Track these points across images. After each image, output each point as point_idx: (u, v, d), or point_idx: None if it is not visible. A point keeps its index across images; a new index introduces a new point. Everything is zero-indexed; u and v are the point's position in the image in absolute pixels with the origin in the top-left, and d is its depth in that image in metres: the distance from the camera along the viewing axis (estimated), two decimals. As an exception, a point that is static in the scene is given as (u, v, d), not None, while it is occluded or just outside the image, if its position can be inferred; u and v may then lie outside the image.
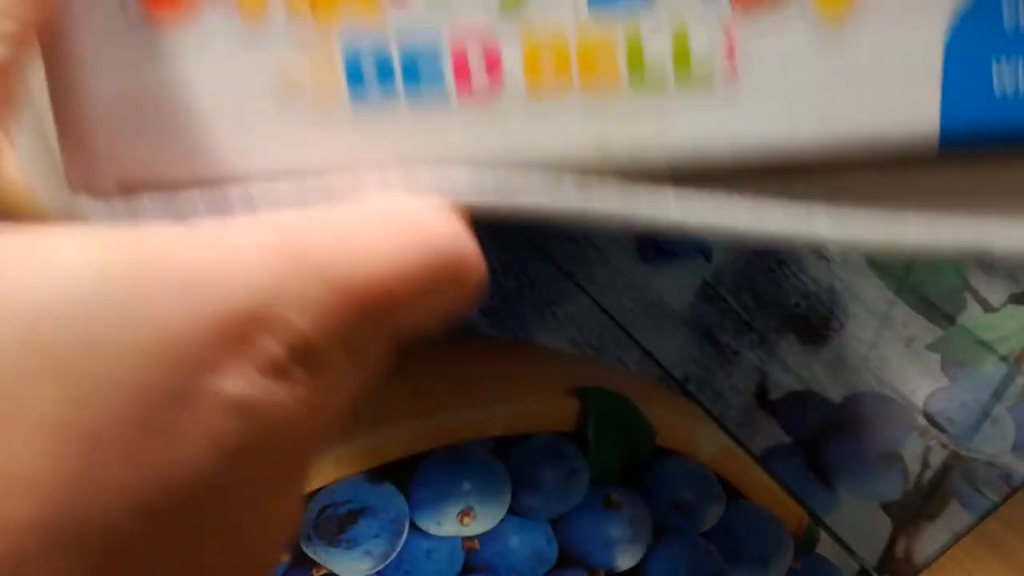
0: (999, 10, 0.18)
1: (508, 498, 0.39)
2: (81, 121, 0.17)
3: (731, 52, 0.18)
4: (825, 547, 0.39)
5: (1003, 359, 0.46)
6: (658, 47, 0.18)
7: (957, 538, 0.39)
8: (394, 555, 0.37)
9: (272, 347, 0.15)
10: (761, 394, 0.44)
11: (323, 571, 0.36)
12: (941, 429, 0.43)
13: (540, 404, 0.42)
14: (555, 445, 0.40)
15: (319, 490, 0.38)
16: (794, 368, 0.45)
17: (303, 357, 0.15)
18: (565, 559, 0.37)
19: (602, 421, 0.41)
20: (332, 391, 0.16)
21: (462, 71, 0.17)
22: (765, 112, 0.18)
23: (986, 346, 0.46)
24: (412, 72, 0.17)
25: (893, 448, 0.42)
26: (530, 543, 0.37)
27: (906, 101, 0.19)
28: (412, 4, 0.17)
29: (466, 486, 0.39)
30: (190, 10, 0.17)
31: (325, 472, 0.39)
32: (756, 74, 0.18)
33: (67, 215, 0.17)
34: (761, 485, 0.40)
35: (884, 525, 0.40)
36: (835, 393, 0.44)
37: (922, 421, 0.43)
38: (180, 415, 0.14)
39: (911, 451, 0.42)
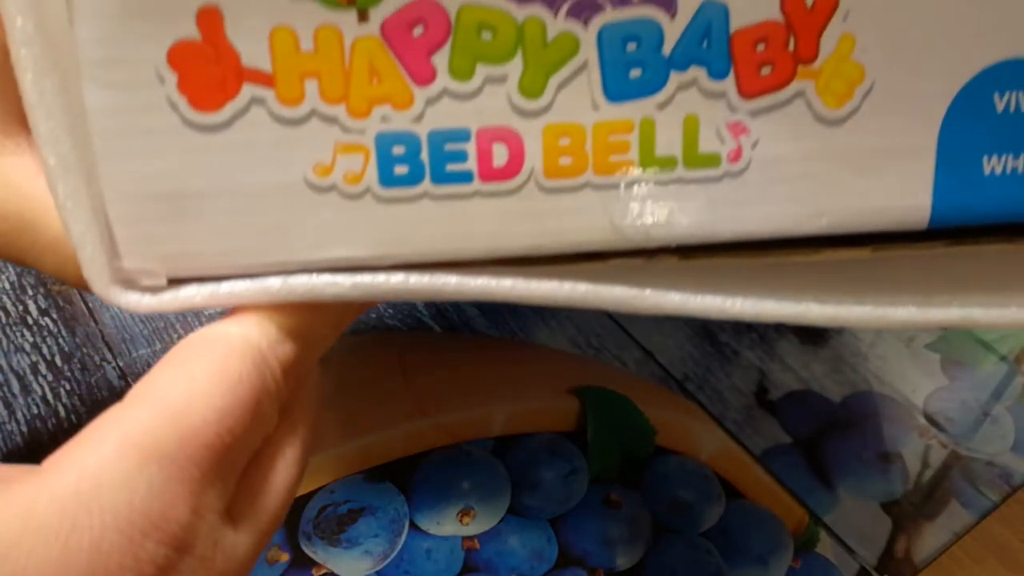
0: (991, 99, 0.19)
1: (508, 498, 0.39)
2: (131, 214, 0.18)
3: (738, 141, 0.19)
4: (825, 547, 0.39)
5: (1003, 359, 0.46)
6: (669, 136, 0.19)
7: (957, 538, 0.39)
8: (394, 555, 0.37)
9: (155, 550, 0.16)
10: (761, 394, 0.44)
11: (323, 571, 0.36)
12: (941, 429, 0.43)
13: (540, 404, 0.42)
14: (555, 445, 0.40)
15: (319, 490, 0.38)
16: (794, 367, 0.45)
17: (186, 544, 0.17)
18: (565, 558, 0.37)
19: (602, 421, 0.41)
20: (221, 548, 0.18)
21: (486, 164, 0.18)
22: (767, 198, 0.19)
23: (986, 346, 0.46)
24: (439, 167, 0.18)
25: (893, 448, 0.42)
26: (530, 543, 0.37)
27: (901, 186, 0.19)
28: (442, 101, 0.18)
29: (466, 486, 0.39)
30: (233, 109, 0.18)
31: (325, 472, 0.39)
32: (761, 162, 0.19)
33: (112, 301, 0.19)
34: (761, 485, 0.40)
35: (884, 525, 0.40)
36: (835, 393, 0.44)
37: (922, 421, 0.43)
38: None
39: (911, 451, 0.42)
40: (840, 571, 0.38)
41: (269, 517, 0.19)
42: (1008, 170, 0.20)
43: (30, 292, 0.44)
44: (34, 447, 0.39)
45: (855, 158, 0.19)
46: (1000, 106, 0.19)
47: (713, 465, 0.41)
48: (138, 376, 0.41)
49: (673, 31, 0.18)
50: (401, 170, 0.18)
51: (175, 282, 0.19)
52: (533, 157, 0.19)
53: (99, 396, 0.41)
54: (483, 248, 0.19)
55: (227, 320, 0.19)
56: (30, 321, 0.43)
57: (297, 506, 0.38)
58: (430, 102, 0.18)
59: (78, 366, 0.41)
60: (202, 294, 0.19)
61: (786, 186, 0.19)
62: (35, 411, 0.40)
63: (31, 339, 0.42)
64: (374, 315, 0.45)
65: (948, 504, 0.40)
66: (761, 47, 0.18)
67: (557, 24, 0.18)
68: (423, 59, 0.18)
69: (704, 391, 0.44)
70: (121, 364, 0.42)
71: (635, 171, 0.19)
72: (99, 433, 0.17)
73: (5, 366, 0.41)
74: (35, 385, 0.41)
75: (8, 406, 0.40)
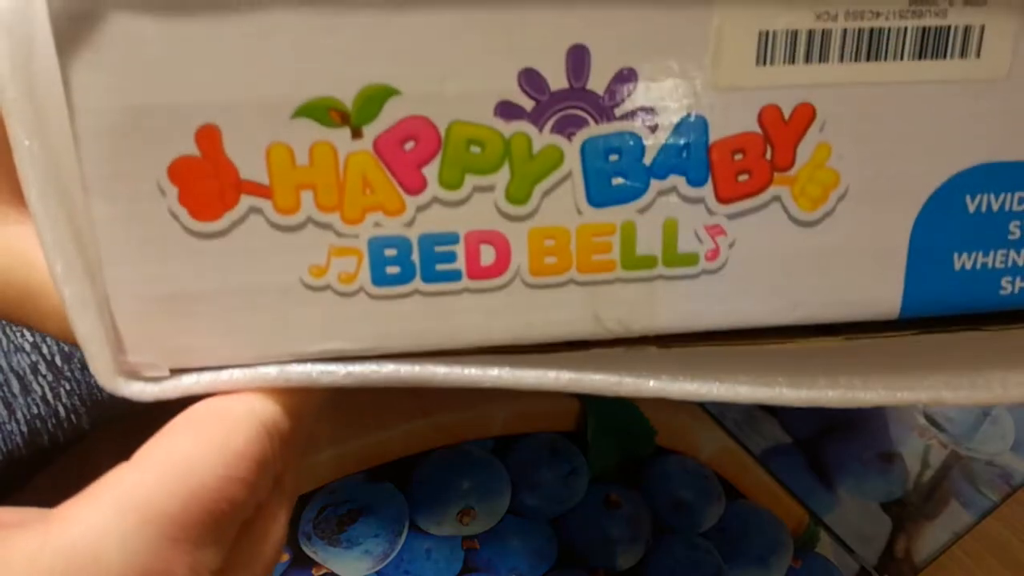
0: (963, 201, 0.20)
1: (508, 498, 0.39)
2: (136, 314, 0.19)
3: (715, 243, 0.20)
4: (825, 547, 0.39)
5: (1003, 359, 0.46)
6: (650, 238, 0.20)
7: (957, 538, 0.39)
8: (394, 554, 0.37)
9: None
10: (761, 394, 0.44)
11: (323, 571, 0.36)
12: (941, 429, 0.43)
13: (540, 404, 0.42)
14: (555, 445, 0.40)
15: (319, 490, 0.38)
16: (794, 368, 0.45)
17: None
18: (565, 558, 0.37)
19: (602, 421, 0.41)
20: None
21: (474, 263, 0.20)
22: (744, 293, 0.20)
23: (986, 346, 0.46)
24: (429, 266, 0.19)
25: (893, 448, 0.42)
26: (530, 543, 0.37)
27: (873, 281, 0.21)
28: (432, 208, 0.19)
29: (466, 486, 0.39)
30: (231, 219, 0.19)
31: (325, 472, 0.39)
32: (738, 260, 0.20)
33: (118, 390, 0.20)
34: (761, 485, 0.40)
35: (884, 525, 0.40)
36: (835, 393, 0.44)
37: (922, 421, 0.43)
38: None
39: (911, 451, 0.42)
40: (840, 571, 0.38)
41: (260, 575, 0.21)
42: (978, 265, 0.21)
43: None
44: (34, 447, 0.39)
45: (829, 256, 0.20)
46: (972, 207, 0.20)
47: (713, 465, 0.41)
48: (138, 376, 0.41)
49: (654, 143, 0.19)
50: (393, 270, 0.19)
51: (177, 371, 0.20)
52: (519, 257, 0.20)
53: (99, 396, 0.41)
54: (471, 340, 0.20)
55: (233, 395, 0.20)
56: (30, 321, 0.43)
57: (297, 506, 0.38)
58: (420, 209, 0.19)
59: (78, 366, 0.41)
60: (202, 382, 0.20)
61: (762, 282, 0.20)
62: (35, 411, 0.40)
63: (31, 339, 0.42)
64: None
65: (948, 504, 0.40)
66: (739, 156, 0.19)
67: (542, 138, 0.19)
68: (414, 171, 0.19)
69: (704, 391, 0.44)
70: (121, 364, 0.42)
71: (617, 270, 0.20)
72: (103, 490, 0.18)
73: (5, 366, 0.41)
74: (35, 385, 0.41)
75: (8, 406, 0.40)
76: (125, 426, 0.39)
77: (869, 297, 0.21)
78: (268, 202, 0.19)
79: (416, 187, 0.19)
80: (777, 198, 0.20)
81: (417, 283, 0.19)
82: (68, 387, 0.41)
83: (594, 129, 0.19)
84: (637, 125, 0.19)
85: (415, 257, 0.19)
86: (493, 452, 0.40)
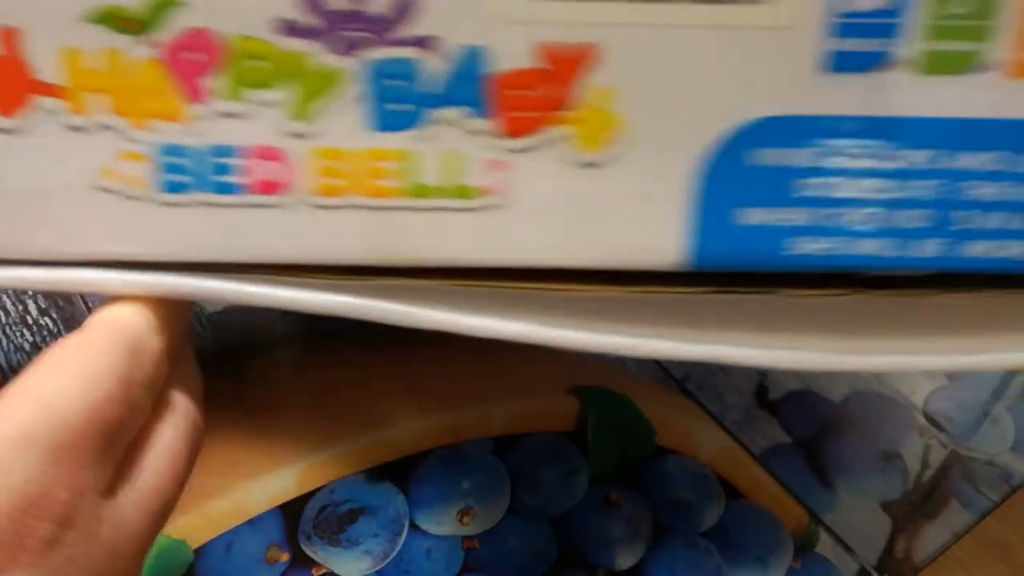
0: (744, 155, 0.20)
1: (508, 497, 0.39)
2: None
3: (498, 177, 0.20)
4: (825, 547, 0.39)
5: (1003, 359, 0.46)
6: (432, 167, 0.20)
7: (957, 538, 0.39)
8: (394, 554, 0.37)
9: (36, 526, 0.18)
10: (761, 393, 0.44)
11: (323, 570, 0.36)
12: (941, 429, 0.43)
13: (540, 404, 0.42)
14: (555, 444, 0.40)
15: (319, 490, 0.38)
16: (794, 368, 0.45)
17: (68, 519, 0.19)
18: (565, 558, 0.37)
19: (602, 421, 0.41)
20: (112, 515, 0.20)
21: (254, 178, 0.20)
22: (527, 231, 0.21)
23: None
24: (213, 178, 0.20)
25: (893, 448, 0.42)
26: (530, 542, 0.37)
27: (656, 229, 0.21)
28: (215, 119, 0.20)
29: (466, 485, 0.39)
30: (25, 116, 0.20)
31: (325, 472, 0.39)
32: (522, 197, 0.20)
33: None
34: (761, 485, 0.40)
35: (884, 525, 0.40)
36: (835, 393, 0.44)
37: (922, 421, 0.43)
38: None
39: (911, 451, 0.42)
40: (840, 571, 0.38)
41: (154, 493, 0.21)
42: (762, 221, 0.21)
43: (30, 292, 0.44)
44: (34, 447, 0.39)
45: (613, 200, 0.21)
46: (754, 160, 0.20)
47: (713, 465, 0.41)
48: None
49: (435, 71, 0.19)
50: (178, 178, 0.20)
51: None
52: (301, 176, 0.20)
53: (99, 396, 0.41)
54: (255, 255, 0.21)
55: (95, 320, 0.21)
56: (30, 321, 0.43)
57: (297, 506, 0.38)
58: (204, 119, 0.20)
59: (78, 366, 0.41)
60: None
61: (545, 221, 0.21)
62: (35, 411, 0.40)
63: (31, 339, 0.42)
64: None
65: (948, 504, 0.40)
66: (520, 92, 0.20)
67: (323, 57, 0.19)
68: (198, 81, 0.19)
69: (704, 391, 0.44)
70: (121, 364, 0.42)
71: (400, 197, 0.20)
72: None
73: (5, 366, 0.41)
74: (35, 385, 0.41)
75: (8, 406, 0.40)
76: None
77: (653, 245, 0.21)
78: (60, 103, 0.19)
79: (200, 97, 0.20)
80: (560, 137, 0.20)
81: (201, 193, 0.20)
82: (68, 387, 0.41)
83: (376, 52, 0.19)
84: (418, 51, 0.19)
85: (199, 168, 0.20)
86: (493, 452, 0.40)
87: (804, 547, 0.39)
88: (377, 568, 0.36)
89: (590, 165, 0.20)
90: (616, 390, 0.43)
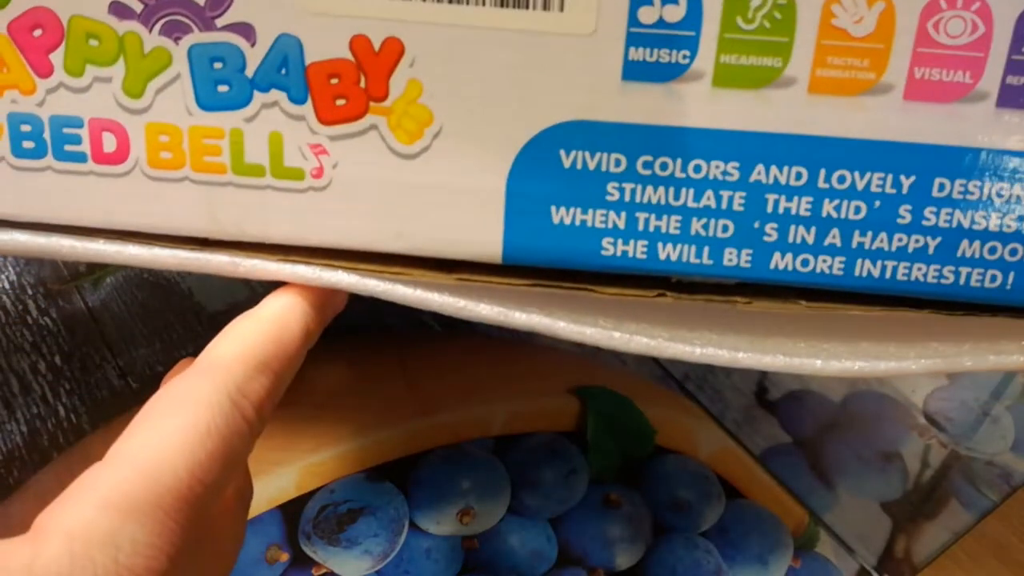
0: (558, 155, 0.21)
1: (508, 497, 0.39)
2: None
3: (319, 161, 0.22)
4: (825, 547, 0.39)
5: (1003, 359, 0.46)
6: (257, 148, 0.22)
7: (957, 538, 0.39)
8: (394, 554, 0.37)
9: None
10: (761, 393, 0.44)
11: (323, 570, 0.36)
12: (941, 428, 0.43)
13: (540, 404, 0.42)
14: (555, 444, 0.40)
15: (319, 489, 0.38)
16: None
17: None
18: (565, 558, 0.37)
19: (602, 421, 0.41)
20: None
21: (97, 148, 0.22)
22: (349, 214, 0.22)
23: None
24: (59, 146, 0.22)
25: (893, 448, 0.42)
26: (530, 542, 0.37)
27: (473, 222, 0.22)
28: (60, 92, 0.21)
29: (466, 485, 0.39)
30: None
31: (325, 472, 0.39)
32: (342, 182, 0.22)
33: None
34: (761, 485, 0.40)
35: (884, 524, 0.40)
36: (835, 392, 0.44)
37: (922, 420, 0.43)
38: None
39: (911, 451, 0.42)
40: (840, 571, 0.38)
41: (220, 558, 0.22)
42: (577, 222, 0.22)
43: (30, 292, 0.44)
44: (34, 447, 0.39)
45: (428, 191, 0.22)
46: (567, 162, 0.21)
47: (713, 465, 0.41)
48: (137, 375, 0.41)
49: (254, 57, 0.21)
50: (28, 145, 0.22)
51: None
52: (137, 148, 0.22)
53: (99, 396, 0.41)
54: (98, 220, 0.22)
55: (194, 370, 0.20)
56: (30, 321, 0.43)
57: (297, 506, 0.38)
58: (50, 91, 0.21)
59: (78, 366, 0.41)
60: None
61: (366, 206, 0.22)
62: (35, 411, 0.40)
63: (31, 339, 0.42)
64: (374, 315, 0.45)
65: (948, 504, 0.40)
66: (335, 81, 0.21)
67: (151, 39, 0.21)
68: (43, 56, 0.21)
69: (704, 390, 0.44)
70: (121, 363, 0.42)
71: (228, 174, 0.22)
72: (80, 494, 0.18)
73: (5, 366, 0.41)
74: (35, 385, 0.41)
75: (8, 406, 0.40)
76: (125, 426, 0.39)
77: (471, 238, 0.22)
78: None
79: (45, 71, 0.21)
80: (375, 127, 0.21)
81: (49, 160, 0.22)
82: (68, 387, 0.41)
83: (198, 36, 0.21)
84: (237, 38, 0.21)
85: (46, 135, 0.22)
86: (493, 452, 0.40)
87: (804, 547, 0.39)
88: (377, 568, 0.36)
89: (404, 156, 0.21)
90: (616, 390, 0.43)
